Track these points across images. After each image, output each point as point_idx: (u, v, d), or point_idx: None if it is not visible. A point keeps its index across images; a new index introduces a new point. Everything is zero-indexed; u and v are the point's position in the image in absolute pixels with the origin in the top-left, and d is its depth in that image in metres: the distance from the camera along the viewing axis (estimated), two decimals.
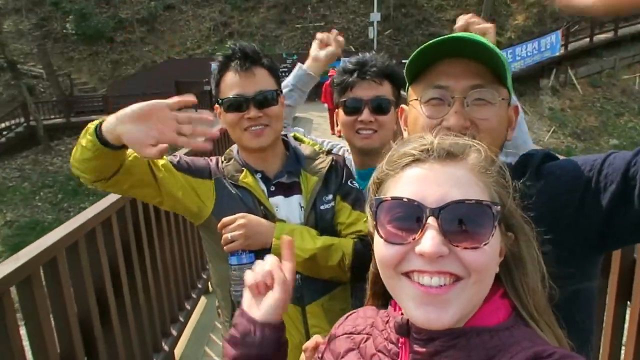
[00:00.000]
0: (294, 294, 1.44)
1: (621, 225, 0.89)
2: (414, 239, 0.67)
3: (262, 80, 1.48)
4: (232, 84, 1.47)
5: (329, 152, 1.63)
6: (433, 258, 0.65)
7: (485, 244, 0.67)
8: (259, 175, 1.54)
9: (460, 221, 0.67)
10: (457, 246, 0.66)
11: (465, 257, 0.66)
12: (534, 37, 19.39)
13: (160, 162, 1.47)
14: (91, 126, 1.27)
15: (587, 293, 1.03)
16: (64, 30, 25.75)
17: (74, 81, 24.69)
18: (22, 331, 1.72)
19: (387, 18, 25.35)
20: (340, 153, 1.86)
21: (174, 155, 1.56)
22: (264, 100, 1.47)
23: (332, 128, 10.88)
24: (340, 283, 1.57)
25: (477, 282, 0.67)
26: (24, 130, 20.08)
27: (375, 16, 22.00)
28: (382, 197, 0.74)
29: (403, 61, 1.76)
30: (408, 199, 0.69)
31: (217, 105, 1.53)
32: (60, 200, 17.18)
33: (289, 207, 1.53)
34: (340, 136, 1.91)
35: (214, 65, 1.54)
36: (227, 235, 1.41)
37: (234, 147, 1.62)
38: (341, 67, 1.71)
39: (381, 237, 0.71)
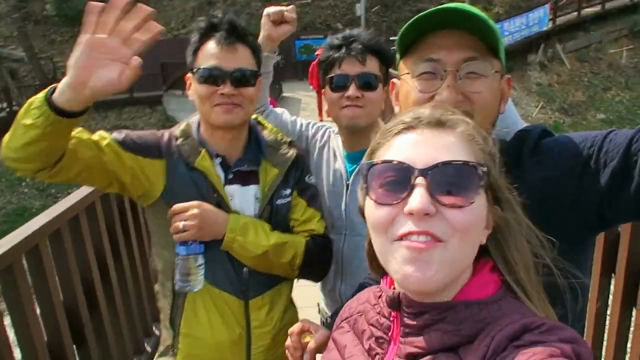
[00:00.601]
0: (240, 287, 1.44)
1: (620, 202, 0.87)
2: (403, 200, 0.69)
3: (243, 58, 1.40)
4: (212, 55, 1.37)
5: (291, 144, 1.56)
6: (421, 215, 0.67)
7: (471, 203, 0.69)
8: (218, 160, 1.45)
9: (447, 181, 0.69)
10: (444, 205, 0.68)
11: (450, 217, 0.68)
12: (522, 11, 19.23)
13: (104, 142, 1.34)
14: (36, 99, 1.11)
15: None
16: (44, 12, 25.08)
17: (57, 64, 24.14)
18: (7, 321, 1.69)
19: None
20: (325, 135, 1.82)
21: (119, 132, 1.41)
22: (242, 78, 1.38)
23: (320, 113, 10.43)
24: (284, 279, 1.54)
25: (460, 244, 0.69)
26: (7, 115, 19.60)
27: None
28: (372, 161, 0.75)
29: (392, 38, 1.72)
30: (398, 162, 0.71)
31: (188, 75, 1.43)
32: (47, 186, 16.95)
33: (244, 198, 1.46)
34: (322, 120, 1.87)
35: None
36: (179, 224, 1.32)
37: (193, 123, 1.50)
38: (327, 44, 1.65)
39: (371, 199, 0.73)
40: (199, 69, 1.38)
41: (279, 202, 1.49)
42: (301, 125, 1.88)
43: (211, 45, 1.38)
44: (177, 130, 1.51)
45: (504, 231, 0.76)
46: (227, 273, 1.43)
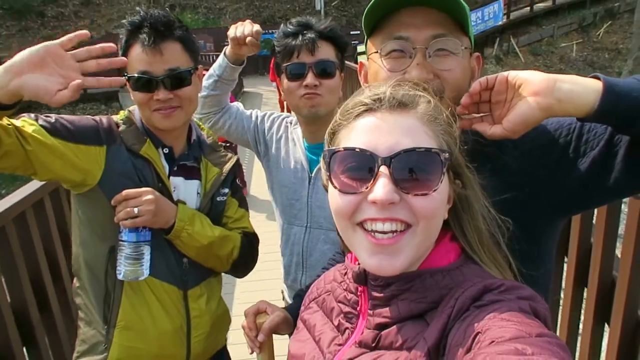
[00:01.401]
0: (180, 278, 1.46)
1: (597, 189, 0.89)
2: (366, 188, 0.70)
3: (173, 57, 1.33)
4: (139, 59, 1.32)
5: (226, 146, 1.62)
6: (385, 205, 0.67)
7: (434, 190, 0.69)
8: (165, 151, 1.44)
9: (410, 169, 0.69)
10: (408, 193, 0.69)
11: (415, 204, 0.69)
12: (478, 6, 19.71)
13: (30, 127, 1.22)
14: None
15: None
16: None
17: (3, 59, 22.99)
18: None
19: None
20: (282, 125, 1.79)
21: (47, 116, 1.31)
22: (175, 81, 1.33)
23: (282, 108, 9.80)
24: (214, 272, 1.58)
25: (425, 229, 0.70)
26: None
27: None
28: (334, 148, 0.75)
29: (352, 32, 1.69)
30: (360, 149, 0.70)
31: (125, 79, 1.36)
32: None
33: (186, 191, 1.48)
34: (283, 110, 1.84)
35: None
36: (134, 210, 1.28)
37: (135, 113, 1.46)
38: (281, 31, 1.61)
39: (335, 187, 0.73)
40: (130, 76, 1.33)
41: (218, 199, 1.53)
42: (256, 118, 1.84)
43: (137, 49, 1.32)
44: (117, 117, 1.46)
45: (462, 204, 0.78)
46: (169, 264, 1.43)
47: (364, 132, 0.72)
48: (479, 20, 19.16)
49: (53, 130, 1.28)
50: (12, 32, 24.15)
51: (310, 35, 1.54)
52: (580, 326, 2.14)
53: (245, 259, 1.59)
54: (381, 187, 0.67)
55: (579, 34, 21.29)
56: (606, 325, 1.98)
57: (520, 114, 0.82)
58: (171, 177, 1.44)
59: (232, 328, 1.72)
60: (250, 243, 1.60)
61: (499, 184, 0.86)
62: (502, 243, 0.80)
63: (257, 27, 1.60)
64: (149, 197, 1.31)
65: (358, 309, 0.77)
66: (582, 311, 2.11)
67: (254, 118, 1.83)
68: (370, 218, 0.69)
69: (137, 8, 1.40)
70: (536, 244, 0.97)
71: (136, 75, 1.32)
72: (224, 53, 1.73)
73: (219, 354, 1.66)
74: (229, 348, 1.77)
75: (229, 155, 1.60)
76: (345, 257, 0.85)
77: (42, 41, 1.12)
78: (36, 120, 1.28)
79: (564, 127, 0.93)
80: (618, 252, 1.93)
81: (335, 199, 0.74)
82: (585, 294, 2.09)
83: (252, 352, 1.13)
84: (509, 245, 0.81)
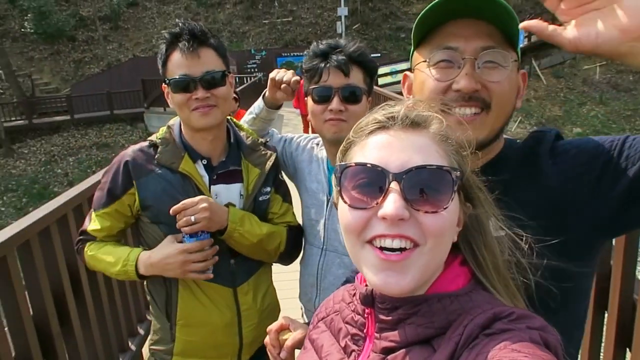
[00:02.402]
0: (228, 277, 1.57)
1: (636, 207, 0.87)
2: (377, 204, 0.69)
3: (209, 61, 1.46)
4: (179, 64, 1.45)
5: (265, 144, 1.68)
6: (394, 221, 0.67)
7: (445, 208, 0.69)
8: (204, 162, 1.56)
9: (421, 186, 0.69)
10: (418, 210, 0.68)
11: (424, 222, 0.68)
12: None
13: (97, 247, 1.59)
14: (131, 272, 1.50)
15: (582, 289, 1.00)
16: (22, 30, 24.89)
17: (35, 82, 23.89)
18: None
19: (355, 12, 25.45)
20: (308, 146, 1.80)
21: (86, 232, 1.60)
22: (211, 81, 1.46)
23: (306, 128, 9.91)
24: (262, 265, 1.69)
25: (434, 248, 0.69)
26: None
27: (343, 10, 22.04)
28: (346, 163, 0.75)
29: (372, 55, 1.69)
30: (372, 165, 0.70)
31: (164, 85, 1.51)
32: (25, 205, 16.64)
33: (229, 195, 1.57)
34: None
35: None
36: (190, 218, 1.42)
37: (175, 127, 1.59)
38: (311, 50, 1.60)
39: (345, 202, 0.73)
40: (170, 79, 1.47)
41: (261, 198, 1.62)
42: (284, 141, 1.86)
43: (177, 55, 1.46)
44: (156, 135, 1.60)
45: (473, 228, 0.77)
46: (217, 265, 1.53)
47: (376, 149, 0.72)
48: None
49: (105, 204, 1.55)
50: (45, 55, 25.12)
51: (339, 58, 1.51)
52: (601, 352, 2.08)
53: (290, 250, 1.70)
54: (391, 202, 0.67)
55: None
56: (628, 350, 1.92)
57: (602, 36, 0.75)
58: (212, 187, 1.55)
59: None
60: (295, 236, 1.71)
61: (538, 201, 0.84)
62: (521, 272, 0.78)
63: (296, 77, 1.68)
64: (204, 205, 1.43)
65: (365, 331, 0.76)
66: (603, 336, 2.05)
67: (282, 142, 1.85)
68: (379, 235, 0.69)
69: (163, 31, 1.52)
70: (575, 266, 0.94)
71: (177, 77, 1.45)
72: (263, 95, 1.82)
73: None
74: None
75: (269, 153, 1.66)
76: (355, 278, 0.84)
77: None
78: (93, 239, 1.60)
79: (605, 143, 0.90)
80: (639, 274, 1.91)
81: (345, 214, 0.73)
82: (605, 318, 2.04)
83: None
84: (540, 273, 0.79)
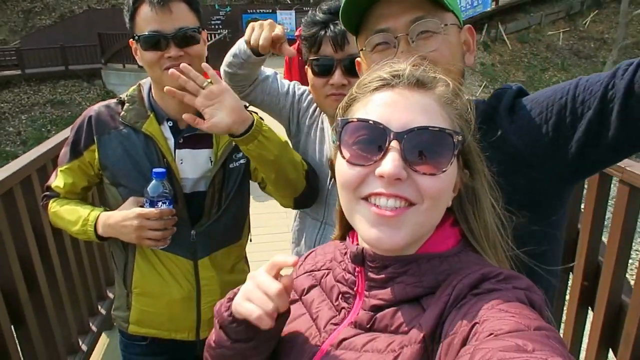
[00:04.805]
0: (188, 248, 1.49)
1: (596, 150, 0.88)
2: (375, 161, 0.68)
3: (181, 16, 1.35)
4: (149, 19, 1.33)
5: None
6: (391, 180, 0.66)
7: (443, 171, 0.69)
8: (169, 124, 1.46)
9: (421, 147, 0.68)
10: (416, 171, 0.68)
11: (421, 183, 0.68)
12: None
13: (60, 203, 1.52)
14: (90, 232, 1.44)
15: (551, 237, 1.01)
16: None
17: None
18: None
19: None
20: (316, 112, 1.63)
21: (50, 188, 1.54)
22: (185, 39, 1.35)
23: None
24: (232, 242, 1.58)
25: (429, 209, 0.70)
26: None
27: None
28: (348, 118, 0.73)
29: None
30: (374, 122, 0.69)
31: (132, 41, 1.39)
32: None
33: (195, 161, 1.47)
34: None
35: None
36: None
37: (145, 86, 1.49)
38: (310, 17, 1.47)
39: (344, 158, 0.72)
40: (140, 36, 1.35)
41: (232, 165, 1.50)
42: (294, 95, 1.65)
43: (146, 9, 1.34)
44: (124, 95, 1.50)
45: (469, 194, 0.77)
46: (176, 236, 1.44)
47: (380, 106, 0.71)
48: (468, 5, 19.13)
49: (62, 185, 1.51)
50: None
51: (340, 27, 1.39)
52: (583, 350, 2.13)
53: (312, 174, 1.49)
54: (390, 161, 0.66)
55: (566, 22, 21.42)
56: (610, 350, 1.98)
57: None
58: (177, 151, 1.45)
59: None
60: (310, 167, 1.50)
61: (503, 159, 0.84)
62: (506, 240, 0.79)
63: (278, 29, 1.41)
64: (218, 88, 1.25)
65: (355, 289, 0.77)
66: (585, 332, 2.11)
67: (291, 94, 1.65)
68: (375, 192, 0.68)
69: None
70: (546, 218, 0.97)
71: (147, 33, 1.33)
72: (247, 43, 1.47)
73: None
74: None
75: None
76: (347, 237, 0.84)
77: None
78: (57, 196, 1.54)
79: (558, 92, 0.91)
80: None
81: (342, 170, 0.72)
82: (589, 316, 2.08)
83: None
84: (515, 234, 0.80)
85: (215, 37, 16.93)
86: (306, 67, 1.49)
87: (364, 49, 0.99)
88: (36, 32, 21.72)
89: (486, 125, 0.91)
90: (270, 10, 21.28)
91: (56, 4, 23.55)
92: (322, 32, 1.41)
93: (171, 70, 1.25)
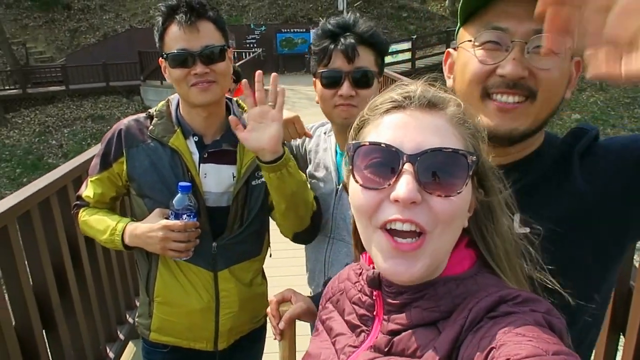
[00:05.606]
0: (209, 260, 1.53)
1: None
2: (389, 185, 0.67)
3: (208, 35, 1.41)
4: (177, 37, 1.40)
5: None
6: (407, 203, 0.65)
7: (458, 193, 0.67)
8: (195, 139, 1.51)
9: (435, 169, 0.67)
10: (431, 193, 0.66)
11: (435, 206, 0.66)
12: None
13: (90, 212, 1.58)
14: (117, 241, 1.48)
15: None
16: None
17: (30, 50, 23.47)
18: None
19: None
20: (316, 133, 1.70)
21: (81, 199, 1.61)
22: (211, 56, 1.41)
23: None
24: (253, 256, 1.62)
25: (444, 234, 0.68)
26: None
27: None
28: (359, 141, 0.72)
29: None
30: (386, 144, 0.68)
31: (161, 59, 1.46)
32: (18, 175, 16.52)
33: (218, 176, 1.51)
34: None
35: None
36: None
37: (173, 102, 1.55)
38: (320, 29, 1.50)
39: (357, 182, 0.70)
40: (168, 54, 1.42)
41: (254, 182, 1.53)
42: (297, 150, 1.75)
43: (174, 28, 1.41)
44: (153, 110, 1.56)
45: (485, 214, 0.75)
46: (198, 248, 1.48)
47: (391, 128, 0.70)
48: None
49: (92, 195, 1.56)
50: (40, 23, 24.62)
51: (349, 40, 1.41)
52: None
53: (319, 214, 1.53)
54: (404, 184, 0.65)
55: None
56: None
57: None
58: (202, 165, 1.49)
59: None
60: (317, 203, 1.54)
61: (571, 205, 0.81)
62: (529, 258, 0.76)
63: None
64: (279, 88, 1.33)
65: (374, 312, 0.76)
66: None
67: (301, 153, 1.74)
68: (390, 220, 0.67)
69: (160, 4, 1.45)
70: (603, 270, 0.92)
71: (175, 51, 1.40)
72: None
73: (257, 332, 1.74)
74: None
75: None
76: (361, 257, 0.83)
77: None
78: (87, 205, 1.60)
79: (635, 141, 0.86)
80: None
81: (356, 194, 0.71)
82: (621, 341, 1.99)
83: (275, 338, 1.15)
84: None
85: (250, 55, 17.32)
86: (314, 79, 1.52)
87: (470, 40, 0.89)
88: (81, 50, 22.76)
89: (560, 164, 0.88)
90: (304, 30, 21.64)
91: (100, 23, 24.66)
92: (332, 46, 1.43)
93: (259, 71, 1.30)
